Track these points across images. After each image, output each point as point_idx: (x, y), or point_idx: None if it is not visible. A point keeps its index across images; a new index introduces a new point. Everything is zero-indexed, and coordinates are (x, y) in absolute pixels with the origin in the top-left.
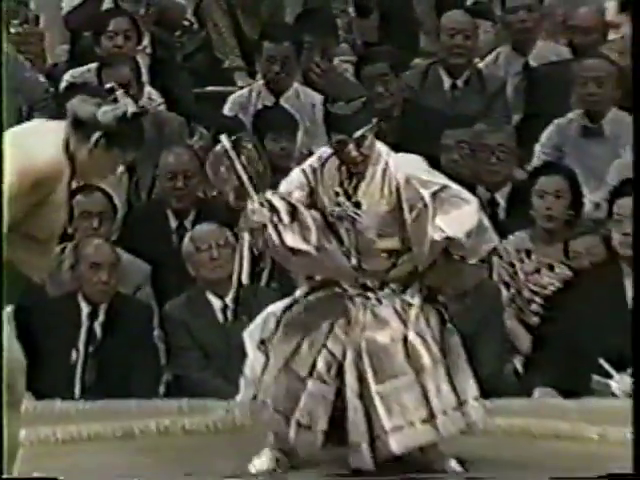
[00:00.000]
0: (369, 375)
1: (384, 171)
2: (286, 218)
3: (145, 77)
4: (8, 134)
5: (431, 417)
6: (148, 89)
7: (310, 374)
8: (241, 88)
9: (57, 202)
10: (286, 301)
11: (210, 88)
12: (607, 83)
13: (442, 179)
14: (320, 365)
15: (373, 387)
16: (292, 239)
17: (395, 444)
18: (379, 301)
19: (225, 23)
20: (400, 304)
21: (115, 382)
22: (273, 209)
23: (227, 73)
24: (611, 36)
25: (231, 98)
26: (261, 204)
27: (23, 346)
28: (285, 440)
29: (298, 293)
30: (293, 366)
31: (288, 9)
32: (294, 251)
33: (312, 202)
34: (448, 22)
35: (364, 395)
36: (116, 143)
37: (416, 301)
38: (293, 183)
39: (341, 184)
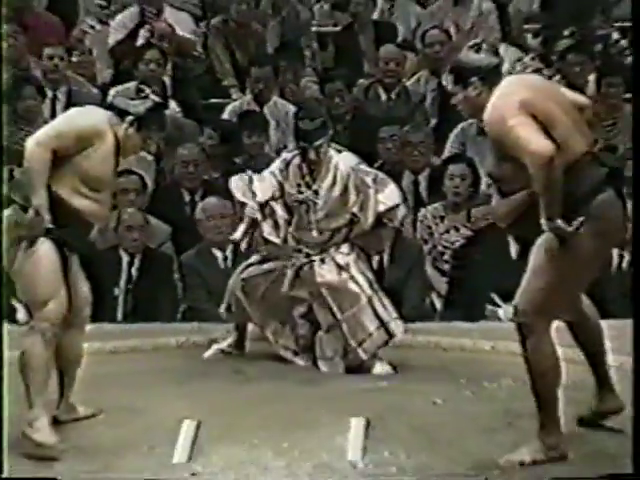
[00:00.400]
0: (335, 309)
1: (335, 167)
2: (260, 216)
3: (168, 92)
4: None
5: (382, 325)
6: (171, 103)
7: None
8: (235, 100)
9: (98, 156)
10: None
11: (213, 100)
12: None
13: (371, 169)
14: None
15: (339, 316)
16: (268, 232)
17: (362, 353)
18: (322, 260)
19: (224, 53)
20: (341, 257)
21: (146, 310)
22: (262, 207)
23: (225, 89)
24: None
25: (228, 107)
26: (260, 205)
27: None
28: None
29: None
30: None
31: (269, 43)
32: (266, 240)
33: (281, 193)
34: (384, 53)
35: (333, 323)
36: (144, 126)
37: (352, 254)
38: (266, 183)
39: (302, 177)
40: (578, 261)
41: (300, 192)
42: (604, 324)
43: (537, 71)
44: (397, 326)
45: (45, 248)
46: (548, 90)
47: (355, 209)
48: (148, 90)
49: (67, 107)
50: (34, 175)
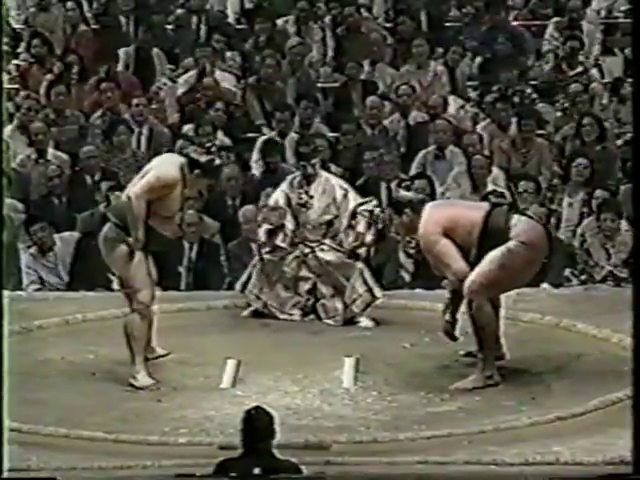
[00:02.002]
0: (341, 279)
1: (325, 179)
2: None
3: (219, 130)
4: (161, 156)
5: (369, 289)
6: (221, 136)
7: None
8: (264, 135)
9: (174, 197)
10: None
11: (249, 134)
12: (447, 132)
13: (346, 184)
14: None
15: (344, 282)
16: (280, 240)
17: (355, 308)
18: (322, 248)
19: (256, 103)
20: (335, 244)
21: (201, 282)
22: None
23: (258, 127)
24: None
25: (261, 139)
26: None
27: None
28: None
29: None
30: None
31: (288, 94)
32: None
33: (288, 202)
34: (369, 103)
35: (334, 293)
36: (205, 175)
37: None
38: (279, 199)
39: (301, 187)
40: (515, 265)
41: (301, 197)
42: None
43: (475, 114)
44: (378, 291)
45: (139, 256)
46: (453, 209)
47: (338, 206)
48: (210, 144)
49: (149, 140)
50: (136, 217)
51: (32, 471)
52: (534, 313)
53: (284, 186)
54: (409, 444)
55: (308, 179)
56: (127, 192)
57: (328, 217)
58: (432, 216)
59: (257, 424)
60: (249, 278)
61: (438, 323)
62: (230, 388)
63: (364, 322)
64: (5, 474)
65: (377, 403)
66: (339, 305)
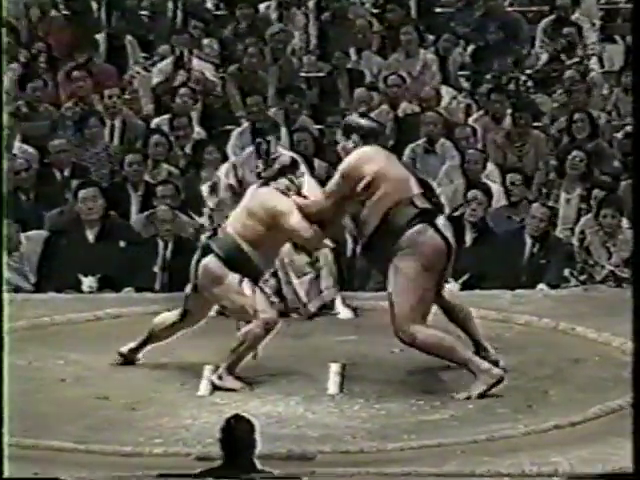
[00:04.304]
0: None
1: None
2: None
3: (195, 122)
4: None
5: (335, 285)
6: (197, 129)
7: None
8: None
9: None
10: None
11: (228, 127)
12: (438, 125)
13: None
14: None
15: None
16: None
17: (312, 307)
18: None
19: (236, 93)
20: None
21: (177, 283)
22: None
23: (237, 118)
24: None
25: (239, 130)
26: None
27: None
28: None
29: None
30: None
31: (270, 86)
32: None
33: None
34: (357, 94)
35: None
36: None
37: None
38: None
39: (256, 167)
40: (410, 277)
41: (259, 176)
42: None
43: (467, 105)
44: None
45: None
46: (383, 158)
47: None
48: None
49: (122, 133)
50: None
51: None
52: (530, 315)
53: (235, 162)
54: (398, 454)
55: (267, 156)
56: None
57: None
58: (360, 160)
59: (237, 433)
60: None
61: None
62: (208, 395)
63: (343, 313)
64: None
65: (364, 411)
66: (315, 292)
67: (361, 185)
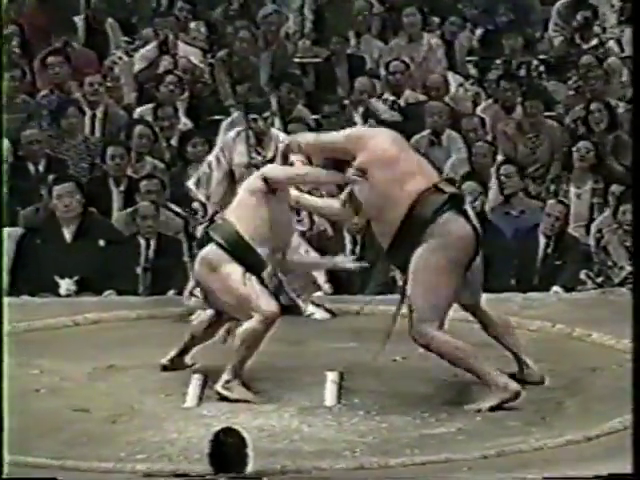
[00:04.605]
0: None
1: (277, 138)
2: None
3: (181, 112)
4: None
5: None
6: (184, 119)
7: None
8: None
9: None
10: None
11: (216, 117)
12: (443, 116)
13: None
14: None
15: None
16: None
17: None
18: None
19: (226, 80)
20: None
21: (161, 283)
22: None
23: (227, 108)
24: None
25: (229, 120)
26: None
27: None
28: None
29: None
30: None
31: (262, 74)
32: None
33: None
34: (357, 83)
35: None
36: None
37: None
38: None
39: (250, 145)
40: (438, 271)
41: (252, 158)
42: None
43: (475, 94)
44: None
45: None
46: (399, 143)
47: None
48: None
49: (104, 124)
50: None
51: None
52: (543, 321)
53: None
54: (400, 471)
55: (258, 136)
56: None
57: None
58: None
59: (227, 448)
60: None
61: None
62: (195, 407)
63: (318, 314)
64: None
65: (364, 424)
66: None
67: (384, 164)
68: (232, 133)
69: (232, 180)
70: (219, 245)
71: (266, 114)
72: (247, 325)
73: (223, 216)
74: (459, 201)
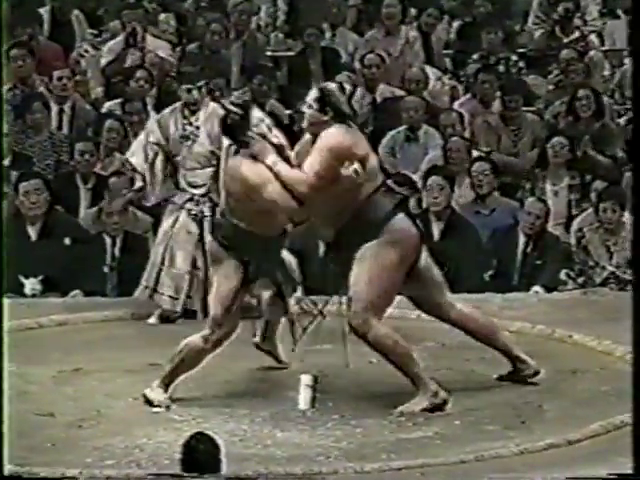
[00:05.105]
0: None
1: (213, 110)
2: None
3: (150, 107)
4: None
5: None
6: (153, 114)
7: None
8: None
9: None
10: None
11: None
12: (419, 110)
13: None
14: None
15: None
16: None
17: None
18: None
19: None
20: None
21: (128, 282)
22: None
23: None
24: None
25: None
26: None
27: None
28: None
29: None
30: None
31: (233, 63)
32: None
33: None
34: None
35: None
36: None
37: None
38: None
39: (184, 117)
40: (385, 266)
41: (185, 129)
42: None
43: (453, 87)
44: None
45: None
46: (364, 140)
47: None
48: None
49: (72, 119)
50: None
51: None
52: (523, 322)
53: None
54: (376, 476)
55: (191, 107)
56: None
57: (212, 148)
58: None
59: (200, 454)
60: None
61: (411, 333)
62: (164, 411)
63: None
64: None
65: (339, 428)
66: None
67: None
68: (169, 108)
69: (169, 153)
70: (216, 239)
71: (200, 83)
72: (191, 337)
73: (222, 210)
74: (407, 202)
